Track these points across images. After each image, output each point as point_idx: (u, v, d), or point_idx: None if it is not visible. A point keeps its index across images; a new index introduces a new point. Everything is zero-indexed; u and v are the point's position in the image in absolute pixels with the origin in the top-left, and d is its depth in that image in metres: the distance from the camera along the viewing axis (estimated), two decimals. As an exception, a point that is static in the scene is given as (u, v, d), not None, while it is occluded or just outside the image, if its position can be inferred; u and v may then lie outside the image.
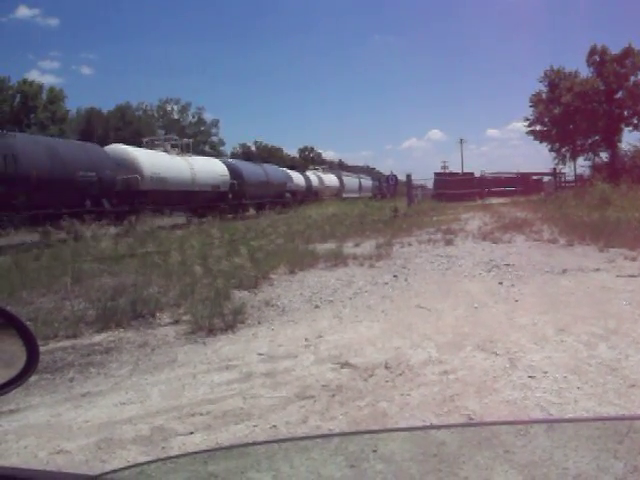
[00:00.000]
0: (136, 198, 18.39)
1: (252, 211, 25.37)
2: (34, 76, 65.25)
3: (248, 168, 27.84)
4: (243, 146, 68.48)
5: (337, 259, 8.30)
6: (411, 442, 1.09)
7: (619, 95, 37.61)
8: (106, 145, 20.65)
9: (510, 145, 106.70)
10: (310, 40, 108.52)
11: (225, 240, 10.93)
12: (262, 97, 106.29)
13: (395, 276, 7.00)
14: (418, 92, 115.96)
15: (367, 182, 49.47)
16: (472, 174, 42.45)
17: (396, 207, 19.75)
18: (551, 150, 41.16)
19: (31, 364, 1.13)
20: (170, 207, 19.54)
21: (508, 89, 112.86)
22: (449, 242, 10.46)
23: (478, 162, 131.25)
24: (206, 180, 22.84)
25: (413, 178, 30.30)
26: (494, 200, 31.25)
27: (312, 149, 79.23)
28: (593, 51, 38.01)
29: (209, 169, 23.75)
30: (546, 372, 3.29)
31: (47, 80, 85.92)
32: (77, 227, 13.46)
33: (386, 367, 3.53)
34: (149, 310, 5.28)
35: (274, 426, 2.75)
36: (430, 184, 41.58)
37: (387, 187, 38.78)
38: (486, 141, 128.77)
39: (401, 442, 1.10)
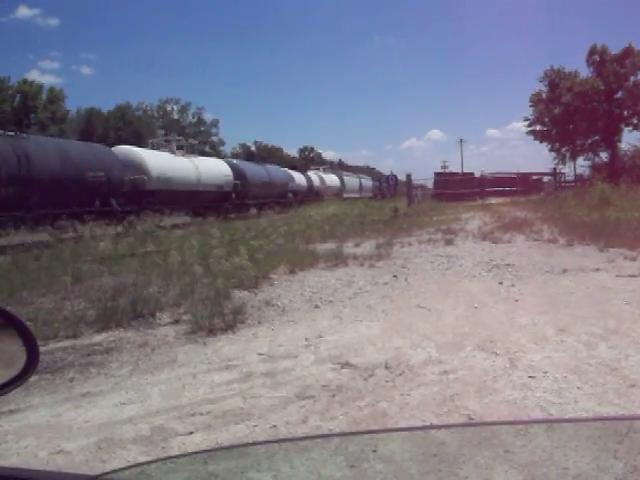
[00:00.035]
0: (143, 198, 18.61)
1: (254, 211, 25.36)
2: (34, 76, 65.11)
3: (251, 168, 27.98)
4: (243, 146, 68.49)
5: (337, 259, 8.30)
6: (411, 442, 1.09)
7: (619, 95, 37.64)
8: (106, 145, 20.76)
9: (510, 145, 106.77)
10: (310, 40, 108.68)
11: (225, 240, 10.93)
12: (262, 97, 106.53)
13: (395, 276, 7.00)
14: (418, 92, 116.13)
15: (367, 182, 49.44)
16: (472, 174, 42.36)
17: (396, 207, 19.74)
18: (551, 150, 41.27)
19: (31, 364, 1.13)
20: (176, 207, 19.74)
21: (508, 89, 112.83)
22: (449, 242, 10.45)
23: (478, 162, 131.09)
24: (211, 180, 23.02)
25: (413, 178, 30.34)
26: (494, 200, 31.16)
27: (312, 149, 79.29)
28: (593, 51, 38.04)
29: (213, 170, 23.90)
30: (546, 372, 3.29)
31: (47, 80, 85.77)
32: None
33: (386, 367, 3.53)
34: (149, 310, 5.28)
35: (274, 426, 2.75)
36: (430, 184, 41.49)
37: (387, 187, 38.85)
38: (486, 141, 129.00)
39: (401, 442, 1.10)
